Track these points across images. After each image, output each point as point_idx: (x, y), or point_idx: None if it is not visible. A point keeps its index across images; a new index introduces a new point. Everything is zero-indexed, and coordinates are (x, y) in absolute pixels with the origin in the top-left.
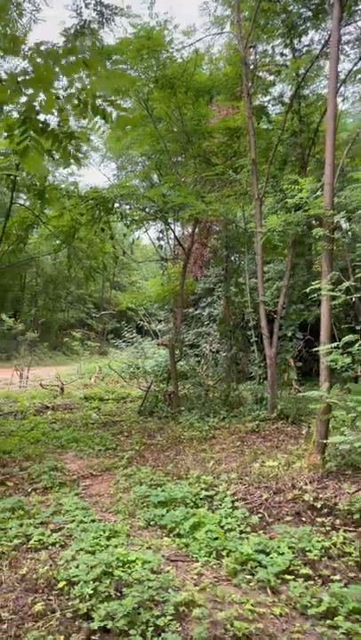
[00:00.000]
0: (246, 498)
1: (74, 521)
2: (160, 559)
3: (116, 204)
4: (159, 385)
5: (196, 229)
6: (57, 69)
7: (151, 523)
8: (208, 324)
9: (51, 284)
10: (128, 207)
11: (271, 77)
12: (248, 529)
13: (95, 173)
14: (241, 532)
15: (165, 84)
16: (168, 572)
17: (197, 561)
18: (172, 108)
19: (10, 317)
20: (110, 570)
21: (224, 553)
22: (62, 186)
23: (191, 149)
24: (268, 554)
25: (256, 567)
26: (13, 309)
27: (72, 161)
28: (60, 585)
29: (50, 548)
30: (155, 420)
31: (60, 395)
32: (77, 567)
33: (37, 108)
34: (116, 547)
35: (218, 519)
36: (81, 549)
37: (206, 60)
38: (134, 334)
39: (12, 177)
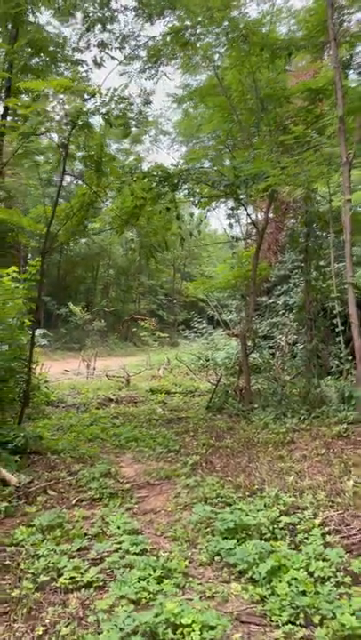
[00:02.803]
0: (341, 530)
1: (119, 549)
2: (226, 624)
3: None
4: (229, 379)
5: (271, 207)
6: None
7: (216, 558)
8: (283, 314)
9: (122, 275)
10: (195, 184)
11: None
12: (347, 579)
13: (165, 158)
14: (338, 585)
15: (238, 39)
16: None
17: (278, 627)
18: (244, 74)
19: (82, 308)
20: None
21: (316, 618)
22: (126, 162)
23: (265, 118)
24: None
25: None
26: (86, 300)
27: None
28: None
29: (83, 590)
30: (224, 418)
31: (125, 386)
32: (110, 631)
33: None
34: (166, 595)
35: (305, 562)
36: (122, 596)
37: (285, 13)
38: (204, 325)
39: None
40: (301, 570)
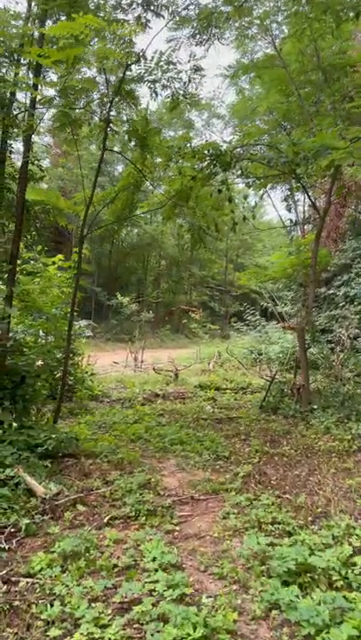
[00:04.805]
0: None
1: (153, 591)
2: None
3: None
4: (285, 375)
5: (334, 187)
6: None
7: (273, 611)
8: (344, 306)
9: (174, 265)
10: (250, 162)
11: None
12: None
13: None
14: None
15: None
16: None
17: None
18: (305, 44)
19: (129, 299)
20: None
21: None
22: (173, 142)
23: (329, 89)
24: None
25: None
26: (137, 291)
27: None
28: None
29: None
30: (279, 420)
31: (173, 381)
32: None
33: None
34: None
35: None
36: None
37: None
38: (257, 317)
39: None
40: None
